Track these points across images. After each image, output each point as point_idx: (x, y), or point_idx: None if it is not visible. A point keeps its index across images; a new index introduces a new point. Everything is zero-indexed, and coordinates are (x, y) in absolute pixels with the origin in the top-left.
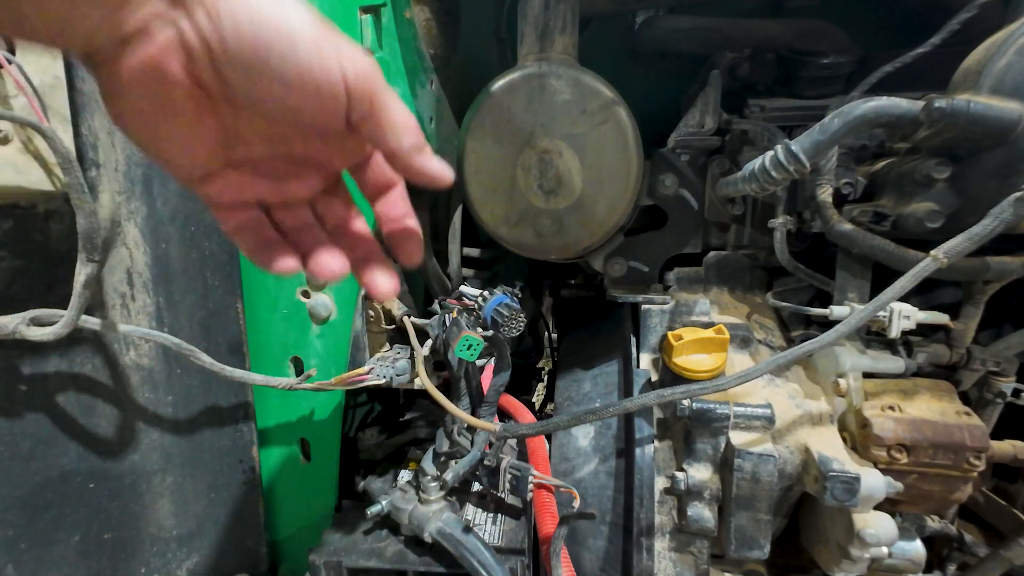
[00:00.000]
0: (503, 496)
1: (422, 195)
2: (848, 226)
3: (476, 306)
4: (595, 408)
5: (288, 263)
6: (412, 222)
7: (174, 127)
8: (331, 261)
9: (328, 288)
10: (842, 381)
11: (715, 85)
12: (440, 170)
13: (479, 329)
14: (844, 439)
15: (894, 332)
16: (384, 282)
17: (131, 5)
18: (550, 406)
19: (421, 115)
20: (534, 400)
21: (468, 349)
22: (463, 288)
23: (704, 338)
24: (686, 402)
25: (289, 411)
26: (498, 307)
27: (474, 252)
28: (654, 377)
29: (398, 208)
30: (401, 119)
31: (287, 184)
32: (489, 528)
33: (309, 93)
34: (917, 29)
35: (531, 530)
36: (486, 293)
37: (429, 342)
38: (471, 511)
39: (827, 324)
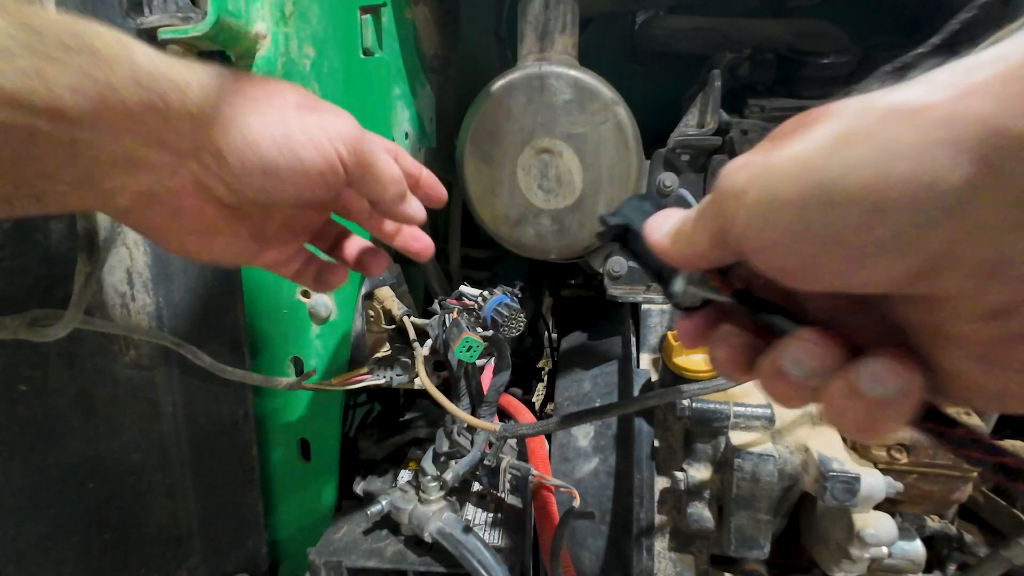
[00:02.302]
0: (503, 496)
1: None
2: None
3: (476, 306)
4: (595, 408)
5: (341, 277)
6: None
7: (215, 240)
8: (374, 256)
9: None
10: None
11: (715, 85)
12: (416, 211)
13: (479, 329)
14: (844, 439)
15: None
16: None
17: (141, 167)
18: (550, 406)
19: (421, 115)
20: (534, 400)
21: (468, 351)
22: (463, 288)
23: None
24: (686, 402)
25: (289, 411)
26: (498, 307)
27: (474, 252)
28: (654, 377)
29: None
30: (387, 174)
31: (306, 232)
32: (489, 528)
33: (316, 182)
34: (917, 29)
35: (531, 530)
36: (486, 293)
37: (429, 342)
38: (471, 511)
39: None
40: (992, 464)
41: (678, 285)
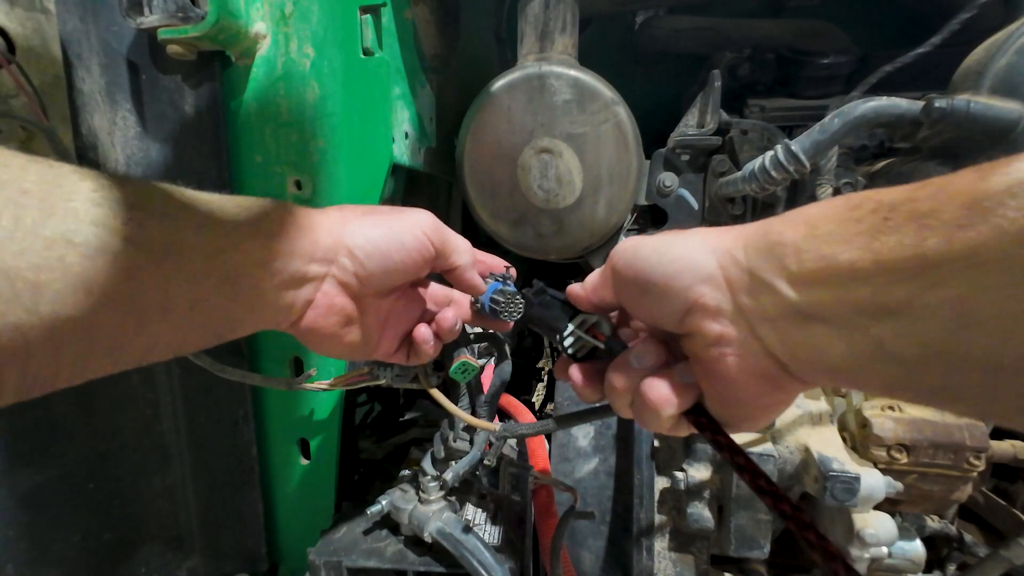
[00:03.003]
0: (503, 496)
1: (422, 195)
2: None
3: (478, 304)
4: (595, 408)
5: (431, 344)
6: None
7: (350, 330)
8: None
9: None
10: None
11: (715, 85)
12: (479, 283)
13: (478, 330)
14: (844, 439)
15: None
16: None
17: (305, 281)
18: (550, 406)
19: (421, 115)
20: (534, 400)
21: (463, 373)
22: None
23: None
24: None
25: (289, 411)
26: (493, 295)
27: None
28: None
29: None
30: (461, 244)
31: (406, 329)
32: (489, 528)
33: (415, 257)
34: (917, 29)
35: (531, 530)
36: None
37: None
38: (471, 511)
39: None
40: (735, 466)
41: (567, 330)
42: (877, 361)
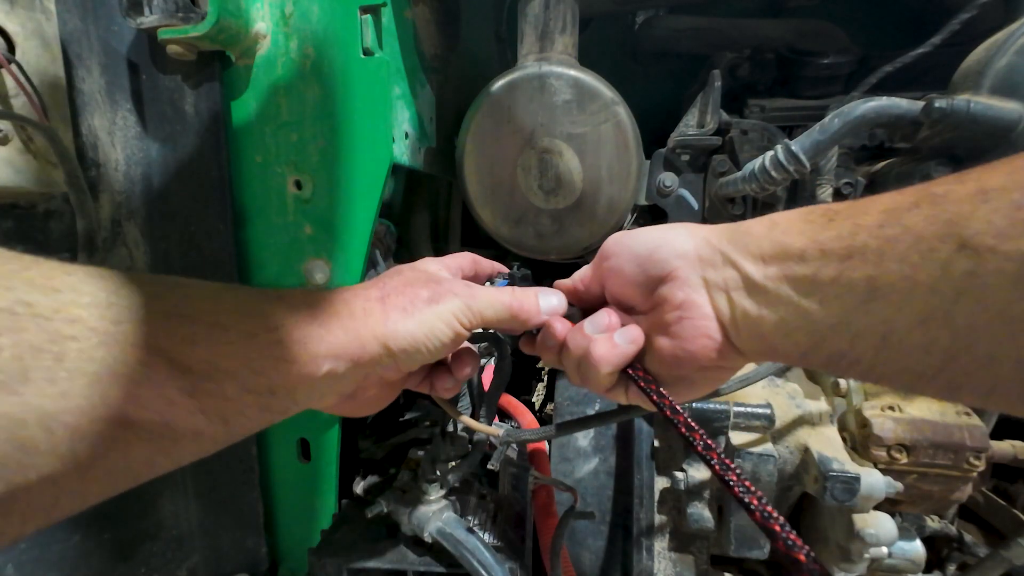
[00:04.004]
0: (503, 496)
1: (422, 195)
2: None
3: None
4: (599, 414)
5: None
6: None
7: (381, 402)
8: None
9: (329, 284)
10: (842, 381)
11: (715, 85)
12: (548, 303)
13: None
14: (844, 439)
15: None
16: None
17: (346, 379)
18: (550, 406)
19: (421, 115)
20: (534, 400)
21: None
22: None
23: None
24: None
25: None
26: None
27: (474, 252)
28: None
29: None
30: (501, 310)
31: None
32: (489, 528)
33: (450, 346)
34: (917, 29)
35: (531, 530)
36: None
37: None
38: (471, 511)
39: None
40: (656, 407)
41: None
42: (797, 331)
